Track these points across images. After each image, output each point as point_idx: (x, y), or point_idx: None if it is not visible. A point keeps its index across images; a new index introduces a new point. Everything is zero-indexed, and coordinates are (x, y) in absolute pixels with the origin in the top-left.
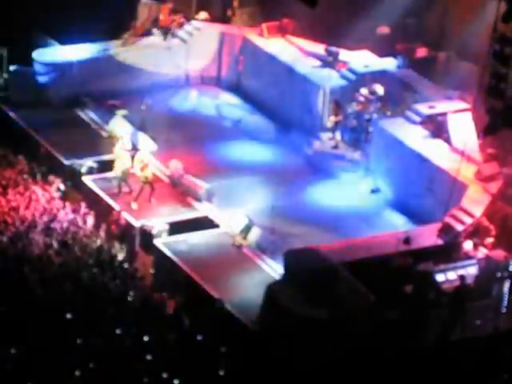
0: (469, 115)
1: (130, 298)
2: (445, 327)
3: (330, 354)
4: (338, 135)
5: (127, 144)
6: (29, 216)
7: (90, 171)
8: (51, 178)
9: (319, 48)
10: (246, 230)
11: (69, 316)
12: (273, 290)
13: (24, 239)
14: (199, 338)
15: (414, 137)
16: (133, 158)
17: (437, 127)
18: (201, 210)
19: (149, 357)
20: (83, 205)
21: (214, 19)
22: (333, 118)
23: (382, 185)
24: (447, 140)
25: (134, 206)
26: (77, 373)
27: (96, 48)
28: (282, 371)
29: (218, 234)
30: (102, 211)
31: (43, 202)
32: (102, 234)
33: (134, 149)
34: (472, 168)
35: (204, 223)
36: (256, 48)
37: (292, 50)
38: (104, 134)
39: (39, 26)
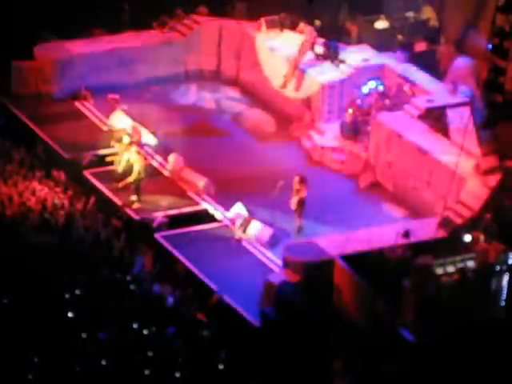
0: (468, 109)
1: (130, 292)
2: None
3: (331, 348)
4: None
5: (128, 138)
6: (28, 209)
7: (91, 165)
8: (51, 171)
9: (318, 42)
10: (246, 224)
11: (70, 311)
12: (272, 284)
13: (22, 232)
14: (199, 331)
15: (414, 130)
16: (133, 151)
17: (436, 121)
18: (200, 203)
19: (150, 350)
20: (83, 198)
21: (213, 13)
22: (295, 200)
23: (380, 178)
24: (446, 133)
25: (136, 204)
26: (77, 368)
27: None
28: (282, 364)
29: (218, 227)
30: (102, 204)
31: (43, 195)
32: (102, 226)
33: (133, 143)
34: (471, 162)
35: (203, 217)
36: (255, 42)
37: (291, 44)
38: (104, 127)
39: (40, 21)
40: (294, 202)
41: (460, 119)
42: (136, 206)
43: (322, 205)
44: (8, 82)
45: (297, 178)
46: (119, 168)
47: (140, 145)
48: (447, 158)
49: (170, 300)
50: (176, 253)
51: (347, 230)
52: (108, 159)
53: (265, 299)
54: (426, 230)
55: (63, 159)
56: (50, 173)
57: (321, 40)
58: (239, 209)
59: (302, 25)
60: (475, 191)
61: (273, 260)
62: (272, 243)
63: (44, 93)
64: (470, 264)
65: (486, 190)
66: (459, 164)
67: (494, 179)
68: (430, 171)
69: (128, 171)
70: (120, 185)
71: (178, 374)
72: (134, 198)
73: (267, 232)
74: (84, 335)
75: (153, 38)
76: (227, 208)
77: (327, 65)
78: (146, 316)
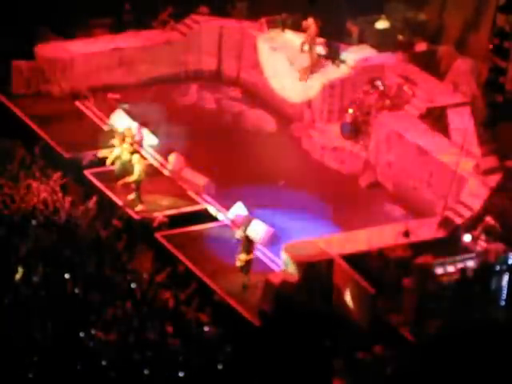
0: (468, 109)
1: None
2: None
3: (331, 348)
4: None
5: (130, 138)
6: (28, 209)
7: (91, 164)
8: (51, 171)
9: (319, 42)
10: (246, 224)
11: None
12: (273, 283)
13: (23, 231)
14: (200, 330)
15: (414, 130)
16: (133, 152)
17: (436, 121)
18: (200, 203)
19: (150, 349)
20: (83, 198)
21: (213, 13)
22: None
23: (380, 178)
24: (447, 133)
25: (139, 207)
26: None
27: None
28: (282, 364)
29: (218, 227)
30: (103, 204)
31: (43, 195)
32: (102, 226)
33: (134, 142)
34: (471, 161)
35: (204, 216)
36: (256, 42)
37: (291, 44)
38: (105, 127)
39: (41, 21)
40: (241, 260)
41: (460, 119)
42: (139, 208)
43: (322, 205)
44: (8, 82)
45: (244, 237)
46: (118, 168)
47: (141, 145)
48: (447, 157)
49: None
50: (176, 252)
51: (347, 230)
52: (101, 155)
53: (265, 299)
54: (426, 230)
55: (63, 159)
56: (50, 173)
57: (321, 40)
58: (239, 209)
59: (310, 20)
60: (475, 191)
61: (273, 260)
62: (272, 243)
63: (44, 93)
64: (470, 264)
65: (485, 190)
66: (459, 164)
67: (493, 179)
68: (430, 171)
69: (128, 171)
70: (119, 183)
71: (178, 374)
72: (132, 197)
73: (267, 232)
74: (83, 334)
75: (153, 37)
76: (227, 208)
77: (328, 64)
78: (146, 315)
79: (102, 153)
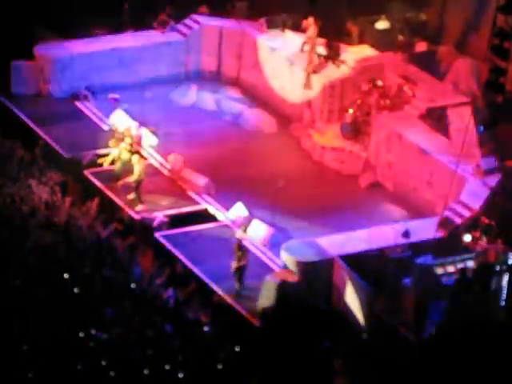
0: (468, 109)
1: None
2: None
3: (331, 348)
4: None
5: (130, 138)
6: (28, 209)
7: (91, 164)
8: (51, 170)
9: (319, 42)
10: (246, 224)
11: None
12: (272, 283)
13: (24, 231)
14: (199, 330)
15: (414, 130)
16: (133, 152)
17: (436, 121)
18: (200, 203)
19: (149, 349)
20: (83, 198)
21: (213, 13)
22: (235, 265)
23: (380, 178)
24: (447, 134)
25: (139, 207)
26: (79, 366)
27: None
28: (282, 364)
29: (218, 226)
30: (103, 204)
31: (43, 195)
32: (102, 226)
33: (134, 143)
34: (471, 162)
35: (204, 216)
36: (256, 42)
37: (291, 44)
38: (105, 127)
39: (40, 21)
40: (233, 267)
41: (460, 119)
42: (140, 207)
43: (322, 205)
44: (8, 81)
45: (235, 245)
46: (118, 168)
47: (140, 145)
48: (447, 158)
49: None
50: (176, 252)
51: (347, 230)
52: (99, 161)
53: (265, 299)
54: (426, 230)
55: (63, 159)
56: (50, 173)
57: (322, 40)
58: (239, 209)
59: (310, 20)
60: (475, 191)
61: (273, 260)
62: (272, 243)
63: (44, 93)
64: (470, 264)
65: (485, 190)
66: (459, 164)
67: (493, 179)
68: (431, 171)
69: (128, 171)
70: (119, 183)
71: (177, 374)
72: (132, 196)
73: (267, 232)
74: (82, 334)
75: (153, 37)
76: (227, 208)
77: (328, 64)
78: (145, 315)
79: (100, 158)
